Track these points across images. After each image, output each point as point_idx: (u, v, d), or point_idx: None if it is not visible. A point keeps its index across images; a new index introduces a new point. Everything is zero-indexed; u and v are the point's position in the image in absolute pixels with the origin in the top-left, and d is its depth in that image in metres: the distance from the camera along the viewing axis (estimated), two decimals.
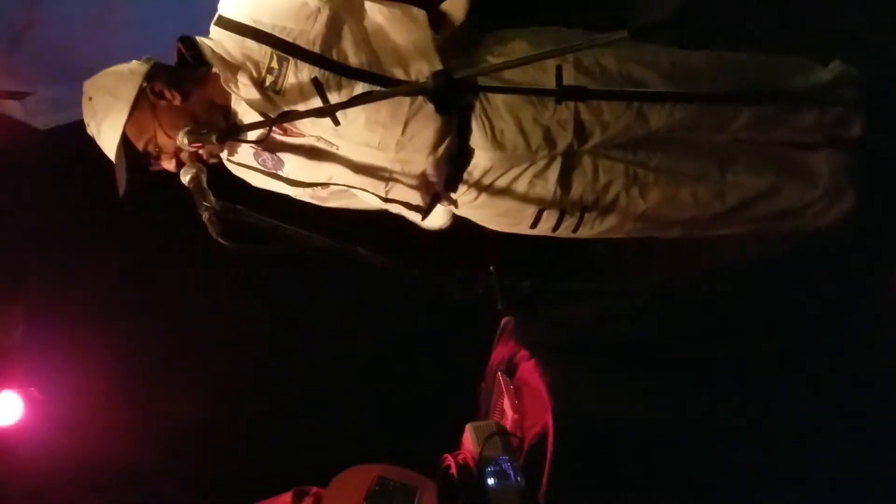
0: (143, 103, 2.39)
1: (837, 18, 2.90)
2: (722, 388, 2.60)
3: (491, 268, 2.24)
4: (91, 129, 2.45)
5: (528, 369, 2.78)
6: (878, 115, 2.62)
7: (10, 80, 3.63)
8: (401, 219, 2.66)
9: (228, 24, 2.40)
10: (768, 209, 2.61)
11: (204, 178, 2.26)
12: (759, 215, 2.61)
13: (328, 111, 2.25)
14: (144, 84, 2.39)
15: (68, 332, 3.72)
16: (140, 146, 2.41)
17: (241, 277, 3.68)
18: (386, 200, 2.53)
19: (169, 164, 2.41)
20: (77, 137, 2.52)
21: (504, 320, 3.03)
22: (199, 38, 2.43)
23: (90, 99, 2.43)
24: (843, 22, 2.87)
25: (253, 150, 2.49)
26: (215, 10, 2.44)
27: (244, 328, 3.96)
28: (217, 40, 2.42)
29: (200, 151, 2.39)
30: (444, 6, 2.53)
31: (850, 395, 2.49)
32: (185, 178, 2.27)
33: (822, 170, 2.62)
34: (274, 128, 2.36)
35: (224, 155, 2.52)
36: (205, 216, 2.12)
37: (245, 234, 2.12)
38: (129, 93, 2.38)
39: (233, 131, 2.32)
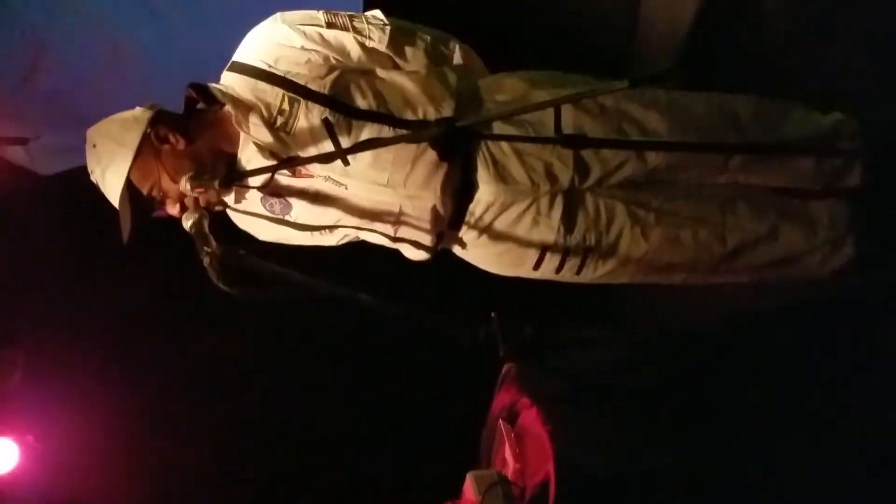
0: (147, 149, 2.39)
1: (837, 68, 2.93)
2: (724, 441, 2.58)
3: (493, 314, 2.24)
4: (95, 176, 2.45)
5: (530, 417, 2.76)
6: (878, 165, 2.63)
7: (13, 126, 3.65)
8: (403, 263, 2.66)
9: (241, 68, 2.45)
10: (768, 255, 2.60)
11: (206, 224, 2.26)
12: (759, 262, 2.61)
13: (333, 156, 2.26)
14: (148, 129, 2.40)
15: (66, 379, 3.70)
16: (145, 191, 2.41)
17: (240, 325, 3.67)
18: (395, 240, 2.53)
19: (173, 209, 2.40)
20: (79, 184, 2.52)
21: (506, 367, 3.01)
22: (209, 84, 2.46)
23: (94, 146, 2.44)
24: (843, 71, 2.89)
25: (260, 195, 2.49)
26: (219, 55, 2.47)
27: (243, 376, 3.95)
28: (228, 84, 2.45)
29: (204, 198, 2.39)
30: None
31: (852, 450, 2.47)
32: (187, 223, 2.27)
33: (821, 218, 2.62)
34: (283, 170, 2.38)
35: (231, 202, 2.51)
36: (206, 262, 2.11)
37: (247, 279, 2.11)
38: (134, 139, 2.39)
39: (235, 177, 2.32)
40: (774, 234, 2.59)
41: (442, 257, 2.66)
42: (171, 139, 2.41)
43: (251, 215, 2.55)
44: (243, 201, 2.52)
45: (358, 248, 2.67)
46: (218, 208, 2.47)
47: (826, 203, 2.65)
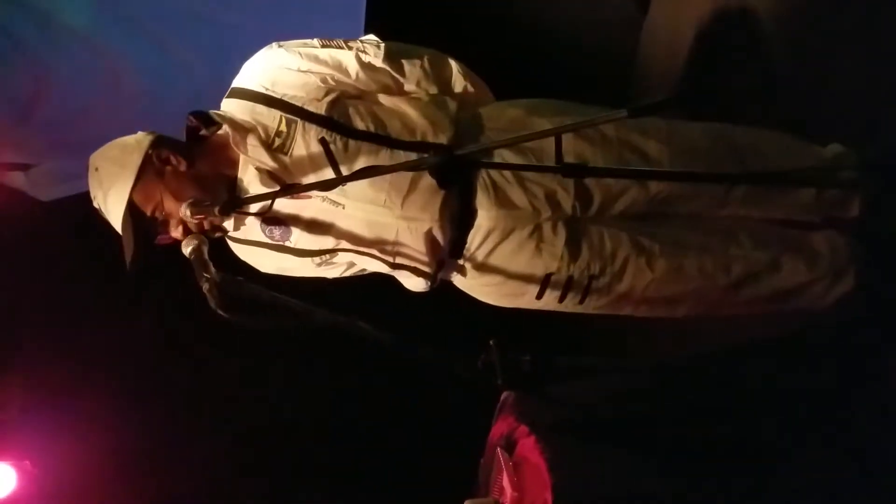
0: (148, 171, 2.40)
1: (837, 99, 2.94)
2: (723, 471, 2.57)
3: (491, 342, 2.24)
4: (97, 201, 2.45)
5: (528, 446, 2.74)
6: (877, 196, 2.64)
7: (14, 152, 3.66)
8: (402, 291, 2.66)
9: (239, 93, 2.47)
10: (771, 286, 2.60)
11: (205, 250, 2.27)
12: (762, 293, 2.61)
13: (332, 184, 2.27)
14: (150, 151, 2.41)
15: (64, 405, 3.70)
16: (147, 212, 2.41)
17: (240, 352, 3.67)
18: (394, 267, 2.53)
19: (176, 232, 2.41)
20: (79, 210, 2.54)
21: (504, 395, 3.00)
22: (211, 112, 2.47)
23: (96, 170, 2.45)
24: (843, 102, 2.91)
25: (260, 220, 2.50)
26: (219, 82, 2.50)
27: (242, 404, 3.94)
28: (227, 110, 2.47)
29: (205, 223, 2.40)
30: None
31: (850, 482, 2.46)
32: (187, 249, 2.27)
33: (822, 250, 2.63)
34: (281, 184, 2.39)
35: (230, 228, 2.52)
36: (205, 287, 2.11)
37: (246, 306, 2.12)
38: (135, 161, 2.40)
39: (236, 203, 2.33)
40: (777, 265, 2.59)
41: (440, 286, 2.67)
42: (173, 160, 2.42)
43: (252, 244, 2.55)
44: (243, 228, 2.53)
45: (357, 277, 2.67)
46: (217, 235, 2.47)
47: (826, 234, 2.65)
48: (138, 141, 2.45)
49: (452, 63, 2.62)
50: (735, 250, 2.58)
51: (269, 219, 2.47)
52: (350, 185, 2.36)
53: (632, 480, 2.57)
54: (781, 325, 2.79)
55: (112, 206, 2.41)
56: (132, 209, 2.40)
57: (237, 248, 2.59)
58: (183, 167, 2.42)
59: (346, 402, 4.01)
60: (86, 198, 2.48)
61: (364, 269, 2.63)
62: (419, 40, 2.64)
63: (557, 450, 2.63)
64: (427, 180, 2.37)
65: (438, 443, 3.78)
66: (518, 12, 4.11)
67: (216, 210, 2.30)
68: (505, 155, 2.45)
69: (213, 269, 2.16)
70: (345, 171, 2.32)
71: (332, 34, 2.54)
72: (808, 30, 3.13)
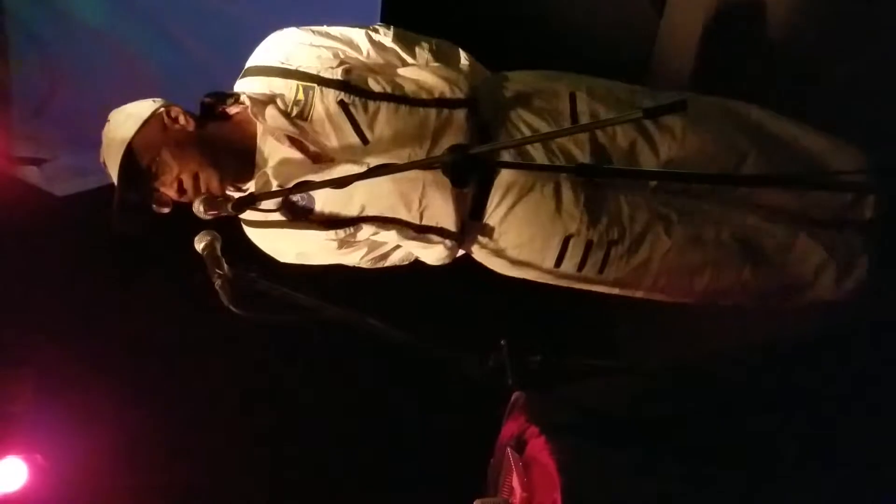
0: (155, 122, 2.43)
1: (853, 106, 2.93)
2: (732, 473, 2.56)
3: (502, 341, 2.23)
4: (102, 150, 2.46)
5: (538, 446, 2.74)
6: (891, 199, 2.63)
7: (30, 147, 3.68)
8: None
9: (255, 70, 2.51)
10: (784, 269, 2.59)
11: (218, 246, 2.27)
12: (775, 275, 2.60)
13: (342, 183, 2.26)
14: (162, 108, 2.45)
15: (75, 399, 3.71)
16: (144, 161, 2.40)
17: (250, 346, 3.68)
18: (419, 229, 2.51)
19: (170, 190, 2.42)
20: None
21: (514, 395, 3.00)
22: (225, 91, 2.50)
23: (108, 122, 2.48)
24: (859, 110, 2.90)
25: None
26: (235, 79, 2.52)
27: (252, 398, 3.95)
28: (242, 89, 2.50)
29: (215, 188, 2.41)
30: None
31: (867, 477, 2.45)
32: (199, 245, 2.28)
33: (834, 242, 2.62)
34: (304, 156, 2.39)
35: (249, 216, 2.51)
36: (217, 283, 2.12)
37: (258, 302, 2.12)
38: (146, 111, 2.44)
39: (249, 200, 2.33)
40: (790, 245, 2.58)
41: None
42: (182, 120, 2.45)
43: (270, 225, 2.53)
44: (263, 204, 2.50)
45: (370, 276, 2.67)
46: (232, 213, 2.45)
47: (838, 229, 2.64)
48: (154, 100, 2.49)
49: (460, 50, 2.64)
50: (752, 220, 2.57)
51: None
52: (374, 144, 2.37)
53: (641, 482, 2.56)
54: (793, 323, 2.78)
55: (113, 149, 2.41)
56: (130, 156, 2.39)
57: (253, 234, 2.57)
58: (191, 127, 2.44)
59: (354, 400, 4.01)
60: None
61: (385, 254, 2.63)
62: (431, 26, 2.66)
63: (567, 451, 2.63)
64: (448, 136, 2.39)
65: (448, 443, 3.78)
66: (534, 12, 4.11)
67: (229, 206, 2.30)
68: (525, 117, 2.45)
69: (225, 266, 2.17)
70: (366, 132, 2.36)
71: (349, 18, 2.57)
72: (825, 28, 3.12)
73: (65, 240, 3.63)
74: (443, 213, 2.48)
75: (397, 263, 2.67)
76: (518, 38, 4.00)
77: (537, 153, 2.47)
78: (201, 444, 3.82)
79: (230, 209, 2.31)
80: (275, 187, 2.44)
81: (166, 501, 3.73)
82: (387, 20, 3.52)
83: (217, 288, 2.12)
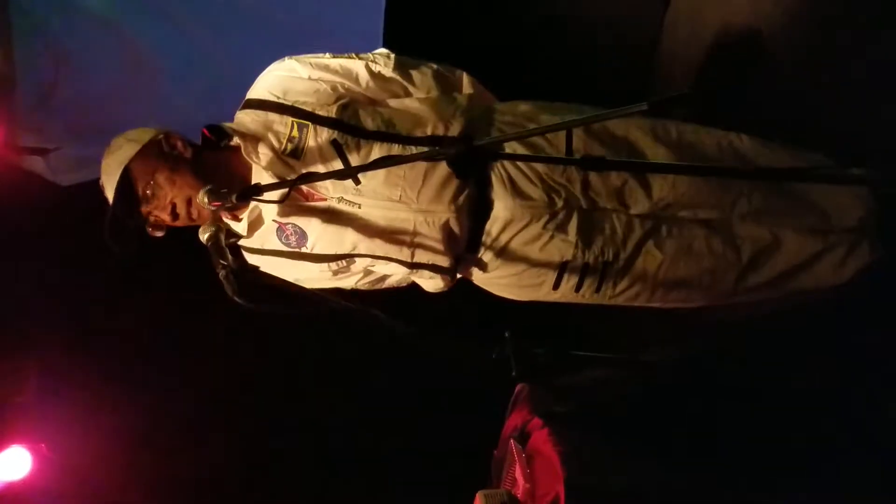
0: (153, 148, 2.46)
1: (855, 121, 2.91)
2: (735, 465, 2.56)
3: (507, 333, 2.24)
4: (102, 173, 2.50)
5: (542, 438, 2.74)
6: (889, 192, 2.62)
7: (34, 137, 3.68)
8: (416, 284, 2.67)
9: (252, 104, 2.52)
10: (782, 264, 2.60)
11: (222, 237, 2.28)
12: (775, 271, 2.61)
13: (348, 173, 2.27)
14: (161, 135, 2.48)
15: (79, 389, 3.72)
16: (140, 186, 2.44)
17: (254, 336, 3.68)
18: (412, 266, 2.54)
19: (164, 213, 2.45)
20: (97, 195, 2.55)
21: (518, 387, 3.01)
22: (223, 123, 2.52)
23: (108, 148, 2.51)
24: (859, 124, 2.88)
25: (276, 227, 2.51)
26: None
27: (256, 386, 3.95)
28: (239, 121, 2.52)
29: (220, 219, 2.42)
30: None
31: (869, 466, 2.45)
32: (204, 236, 2.29)
33: (826, 235, 2.61)
34: (296, 193, 2.40)
35: (243, 231, 2.54)
36: (221, 274, 2.13)
37: (262, 293, 2.13)
38: (145, 137, 2.47)
39: (253, 191, 2.34)
40: (780, 240, 2.59)
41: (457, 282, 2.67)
42: (180, 147, 2.47)
43: (267, 253, 2.56)
44: (257, 235, 2.54)
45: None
46: (231, 241, 2.49)
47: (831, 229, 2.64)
48: (156, 129, 2.51)
49: (461, 73, 2.64)
50: (740, 226, 2.59)
51: (285, 225, 2.48)
52: (365, 184, 2.38)
53: (644, 474, 2.57)
54: (795, 310, 2.77)
55: (111, 170, 2.45)
56: (126, 179, 2.42)
57: (253, 259, 2.60)
58: (188, 154, 2.47)
59: (359, 391, 4.02)
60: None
61: (381, 278, 2.65)
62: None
63: (570, 443, 2.63)
64: (440, 172, 2.40)
65: (452, 434, 3.78)
66: (538, 6, 4.10)
67: (233, 198, 2.31)
68: (516, 148, 2.45)
69: (229, 257, 2.18)
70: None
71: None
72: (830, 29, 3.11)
73: (69, 230, 3.63)
74: (434, 253, 2.51)
75: (395, 286, 2.69)
76: (519, 33, 3.99)
77: (535, 190, 2.47)
78: (205, 434, 3.82)
79: (234, 200, 2.32)
80: (267, 222, 2.49)
81: (170, 491, 3.73)
82: (389, 25, 3.56)
83: (221, 279, 2.13)
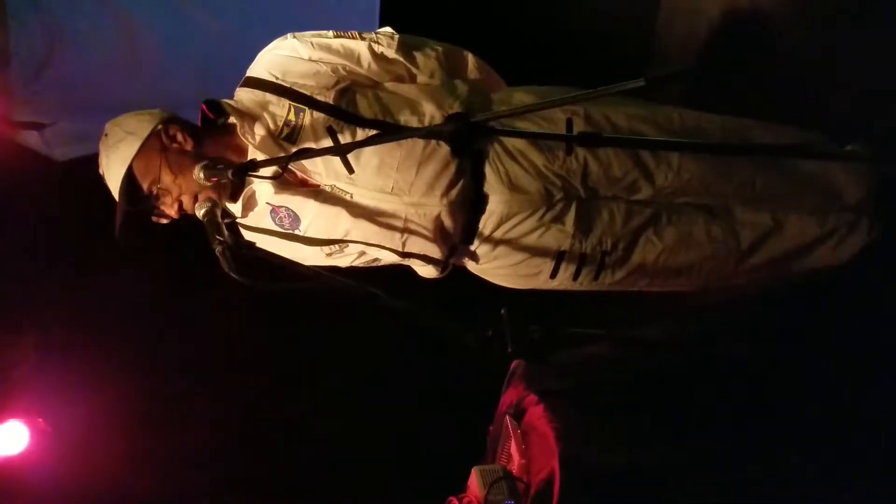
0: (154, 143, 2.44)
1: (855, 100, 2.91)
2: (730, 441, 2.57)
3: (502, 310, 2.24)
4: (102, 167, 2.49)
5: (537, 414, 2.76)
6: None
7: (30, 111, 3.66)
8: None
9: (251, 82, 2.50)
10: (781, 247, 2.60)
11: (218, 213, 2.28)
12: (773, 254, 2.61)
13: (344, 150, 2.27)
14: (160, 126, 2.44)
15: (77, 364, 3.73)
16: (145, 185, 2.45)
17: (250, 313, 3.68)
18: (404, 255, 2.54)
19: (170, 210, 2.45)
20: (93, 170, 2.54)
21: (514, 364, 3.01)
22: (222, 100, 2.50)
23: (106, 135, 2.49)
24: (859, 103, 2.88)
25: (270, 208, 2.50)
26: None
27: (254, 363, 3.96)
28: (238, 98, 2.50)
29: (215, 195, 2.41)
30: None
31: (859, 452, 2.46)
32: (200, 211, 2.29)
33: (826, 216, 2.61)
34: (290, 177, 2.40)
35: (238, 213, 2.54)
36: (217, 250, 2.13)
37: (258, 269, 2.12)
38: (144, 129, 2.44)
39: (249, 167, 2.33)
40: (782, 225, 2.60)
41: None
42: (180, 138, 2.45)
43: (262, 232, 2.56)
44: (252, 215, 2.54)
45: None
46: (226, 220, 2.48)
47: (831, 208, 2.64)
48: (151, 114, 2.49)
49: (467, 54, 2.62)
50: (741, 212, 2.59)
51: (278, 208, 2.48)
52: (358, 174, 2.37)
53: (639, 451, 2.58)
54: (794, 289, 2.78)
55: (113, 170, 2.45)
56: (130, 178, 2.43)
57: (250, 236, 2.60)
58: (189, 146, 2.46)
59: (356, 368, 4.03)
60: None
61: (376, 259, 2.65)
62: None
63: (566, 419, 2.64)
64: (433, 165, 2.40)
65: (447, 410, 3.80)
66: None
67: (229, 173, 2.31)
68: (518, 145, 2.45)
69: (225, 232, 2.18)
70: (352, 159, 2.32)
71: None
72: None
73: (65, 205, 3.63)
74: (426, 243, 2.51)
75: (392, 263, 2.69)
76: (517, 13, 3.96)
77: (533, 183, 2.46)
78: (201, 407, 3.83)
79: (230, 175, 2.32)
80: (261, 203, 2.49)
81: (166, 465, 3.75)
82: (386, 4, 3.52)
83: (217, 255, 2.13)
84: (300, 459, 3.94)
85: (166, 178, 2.43)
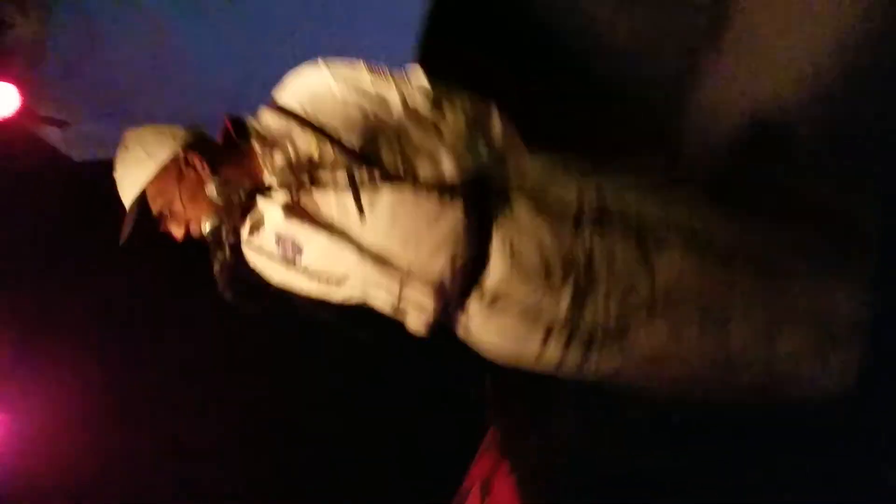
0: (172, 169, 2.44)
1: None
2: None
3: (487, 379, 2.23)
4: (116, 176, 2.50)
5: (507, 488, 2.73)
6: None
7: (55, 108, 3.70)
8: None
9: (279, 108, 2.47)
10: (769, 365, 2.58)
11: (224, 232, 2.28)
12: (758, 371, 2.59)
13: (358, 195, 2.27)
14: (181, 152, 2.45)
15: (44, 360, 3.72)
16: (155, 208, 2.45)
17: (237, 322, 3.65)
18: (398, 311, 2.52)
19: (177, 231, 2.45)
20: (106, 174, 2.55)
21: (490, 432, 2.99)
22: (247, 118, 2.50)
23: (126, 148, 2.49)
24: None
25: (275, 233, 2.50)
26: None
27: (254, 362, 3.93)
28: (263, 122, 2.49)
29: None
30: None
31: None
32: (206, 226, 2.29)
33: (819, 332, 2.60)
34: (301, 210, 2.40)
35: (245, 232, 2.53)
36: (216, 268, 2.13)
37: (252, 293, 2.12)
38: (163, 154, 2.44)
39: (262, 190, 2.33)
40: (771, 334, 2.58)
41: None
42: (199, 167, 2.44)
43: (263, 254, 2.55)
44: (257, 235, 2.53)
45: None
46: (232, 241, 2.48)
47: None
48: (174, 135, 2.49)
49: (494, 114, 2.64)
50: (734, 325, 2.57)
51: (285, 239, 2.48)
52: (371, 223, 2.36)
53: None
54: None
55: (127, 189, 2.45)
56: (142, 199, 2.43)
57: (250, 255, 2.59)
58: (206, 175, 2.44)
59: (354, 367, 3.97)
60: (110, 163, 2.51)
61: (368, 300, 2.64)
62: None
63: (535, 496, 2.61)
64: (444, 223, 2.38)
65: (448, 410, 3.73)
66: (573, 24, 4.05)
67: (241, 193, 2.31)
68: (523, 213, 2.46)
69: (228, 252, 2.18)
70: (366, 209, 2.32)
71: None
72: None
73: (70, 203, 3.64)
74: (423, 300, 2.48)
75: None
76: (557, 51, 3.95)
77: (534, 259, 2.45)
78: (202, 409, 3.81)
79: (242, 197, 2.32)
80: (269, 229, 2.44)
81: (166, 465, 3.75)
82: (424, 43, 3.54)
83: (215, 272, 2.12)
84: (300, 459, 3.89)
85: (177, 206, 2.43)
